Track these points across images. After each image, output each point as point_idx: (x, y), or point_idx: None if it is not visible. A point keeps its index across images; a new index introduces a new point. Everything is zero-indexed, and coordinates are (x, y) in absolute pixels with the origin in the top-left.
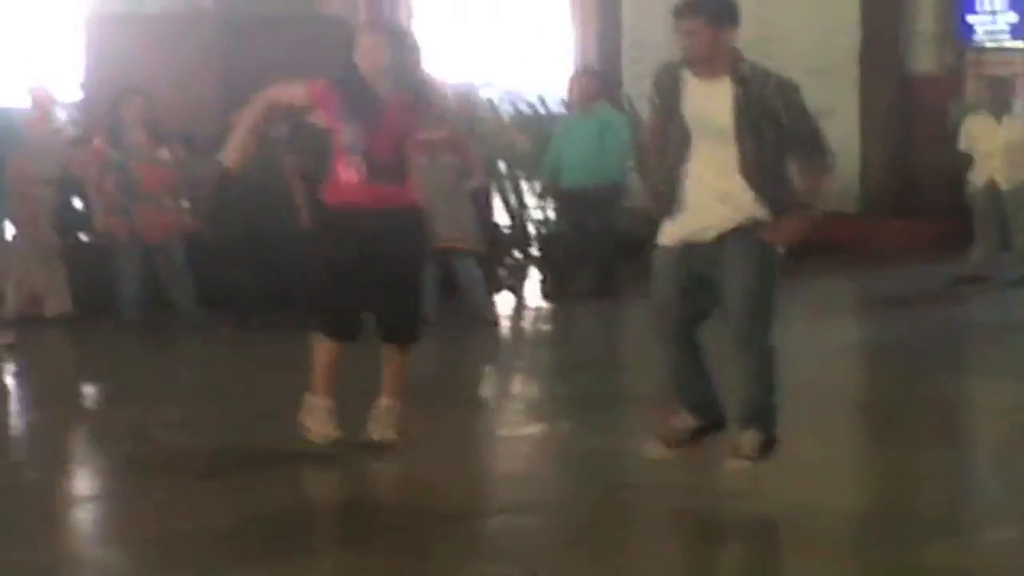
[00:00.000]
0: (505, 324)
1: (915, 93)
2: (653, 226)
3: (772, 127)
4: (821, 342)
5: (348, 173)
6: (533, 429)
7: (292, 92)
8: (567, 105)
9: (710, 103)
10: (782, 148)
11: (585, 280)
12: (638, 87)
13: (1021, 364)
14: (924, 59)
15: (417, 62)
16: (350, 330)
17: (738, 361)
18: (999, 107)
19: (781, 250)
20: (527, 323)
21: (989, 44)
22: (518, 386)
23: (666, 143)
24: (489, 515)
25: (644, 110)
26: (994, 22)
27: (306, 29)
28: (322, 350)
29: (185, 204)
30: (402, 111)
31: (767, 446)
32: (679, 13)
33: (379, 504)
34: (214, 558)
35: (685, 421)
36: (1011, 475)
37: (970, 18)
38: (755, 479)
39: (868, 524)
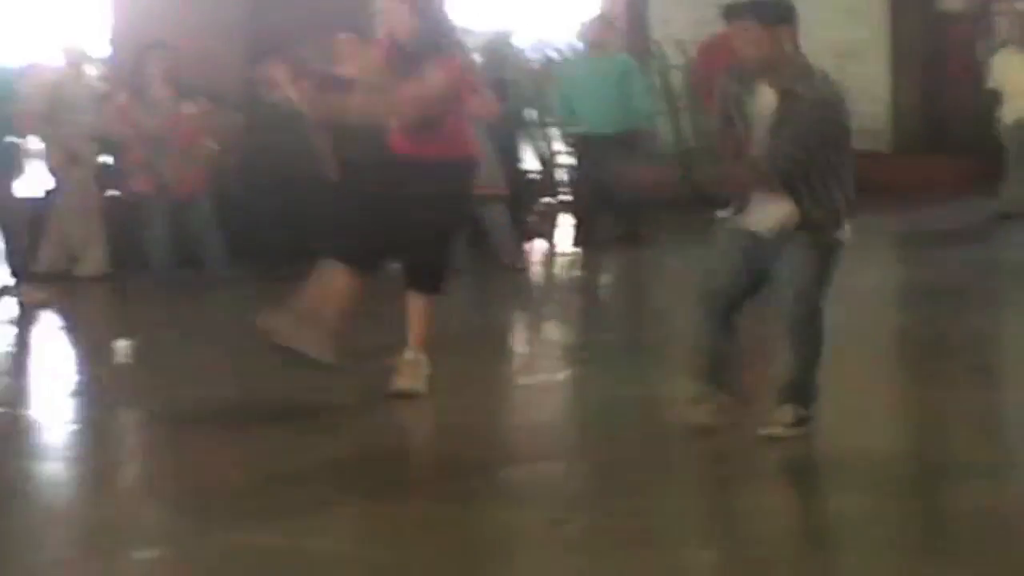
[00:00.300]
0: (534, 271)
1: (945, 31)
2: (683, 173)
3: (811, 132)
4: (856, 283)
5: (395, 123)
6: (560, 376)
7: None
8: (582, 50)
9: (762, 109)
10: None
11: (611, 227)
12: (665, 29)
13: None
14: None
15: (439, 20)
16: (364, 261)
17: (786, 342)
18: None
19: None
20: (555, 269)
21: None
22: (544, 333)
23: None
24: (516, 463)
25: (673, 56)
26: None
27: None
28: (334, 275)
29: (215, 148)
30: (433, 69)
31: (801, 422)
32: (730, 14)
33: (406, 454)
34: (243, 512)
35: (788, 411)
36: None
37: None
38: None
39: (906, 465)
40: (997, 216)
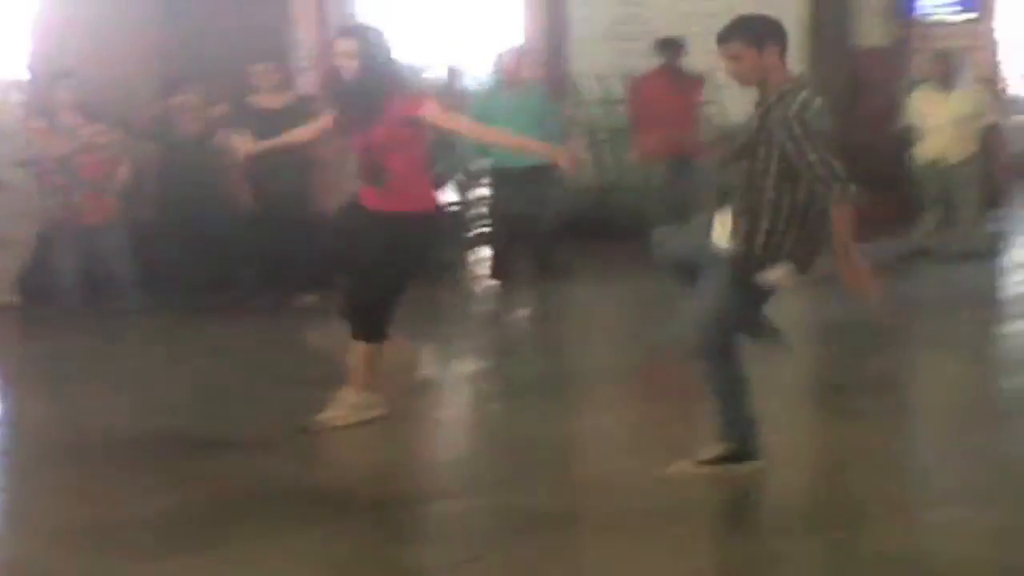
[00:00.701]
0: (451, 303)
1: (862, 67)
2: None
3: (783, 156)
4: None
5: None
6: (476, 411)
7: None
8: (497, 82)
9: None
10: (798, 179)
11: (528, 260)
12: (583, 65)
13: (965, 339)
14: (871, 33)
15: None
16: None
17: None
18: (946, 81)
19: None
20: (473, 302)
21: (935, 17)
22: (461, 367)
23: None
24: (434, 499)
25: (590, 89)
26: None
27: (244, 6)
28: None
29: (127, 177)
30: (369, 116)
31: (728, 458)
32: (720, 38)
33: (316, 489)
34: (150, 546)
35: (714, 448)
36: (961, 453)
37: None
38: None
39: (818, 505)
40: (911, 253)
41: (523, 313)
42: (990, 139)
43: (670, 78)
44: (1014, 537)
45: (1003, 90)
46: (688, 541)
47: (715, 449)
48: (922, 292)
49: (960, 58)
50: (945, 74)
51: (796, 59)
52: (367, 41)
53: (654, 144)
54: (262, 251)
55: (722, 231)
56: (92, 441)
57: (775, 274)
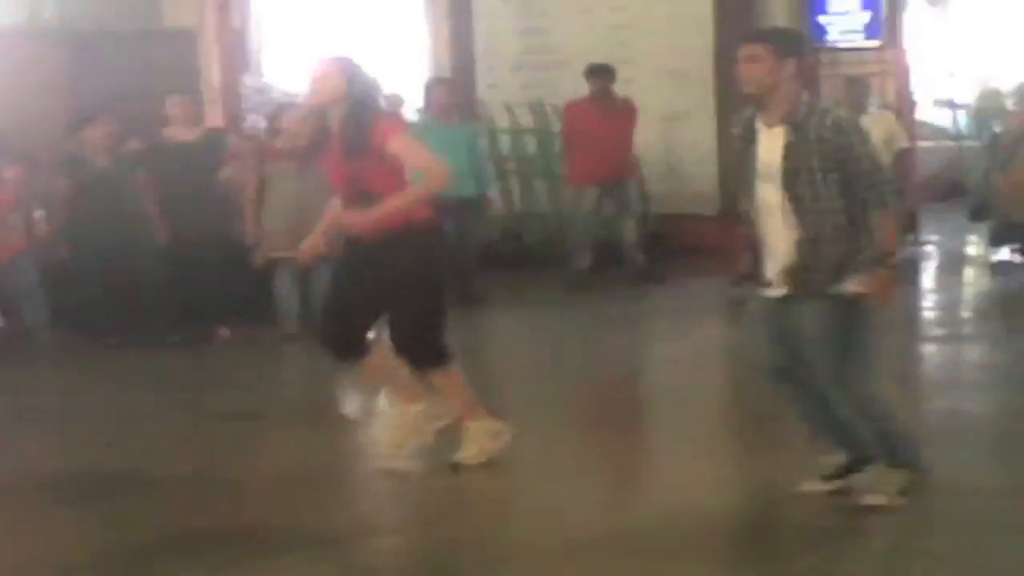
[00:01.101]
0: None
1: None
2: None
3: (835, 168)
4: (689, 347)
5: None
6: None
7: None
8: (425, 113)
9: (769, 153)
10: (850, 190)
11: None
12: (492, 94)
13: (889, 364)
14: None
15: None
16: (343, 353)
17: (836, 405)
18: (856, 107)
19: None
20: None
21: (843, 44)
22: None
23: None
24: (370, 535)
25: (499, 118)
26: (847, 22)
27: (150, 42)
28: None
29: (38, 217)
30: (359, 148)
31: (902, 481)
32: (745, 38)
33: (242, 528)
34: None
35: (835, 457)
36: None
37: (822, 18)
38: (620, 489)
39: (739, 534)
40: None
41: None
42: (901, 164)
43: (601, 104)
44: None
45: (912, 115)
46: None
47: (881, 476)
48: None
49: (869, 84)
50: (855, 100)
51: (702, 87)
52: (353, 69)
53: (586, 170)
54: (179, 285)
55: (780, 272)
56: (10, 483)
57: (855, 284)
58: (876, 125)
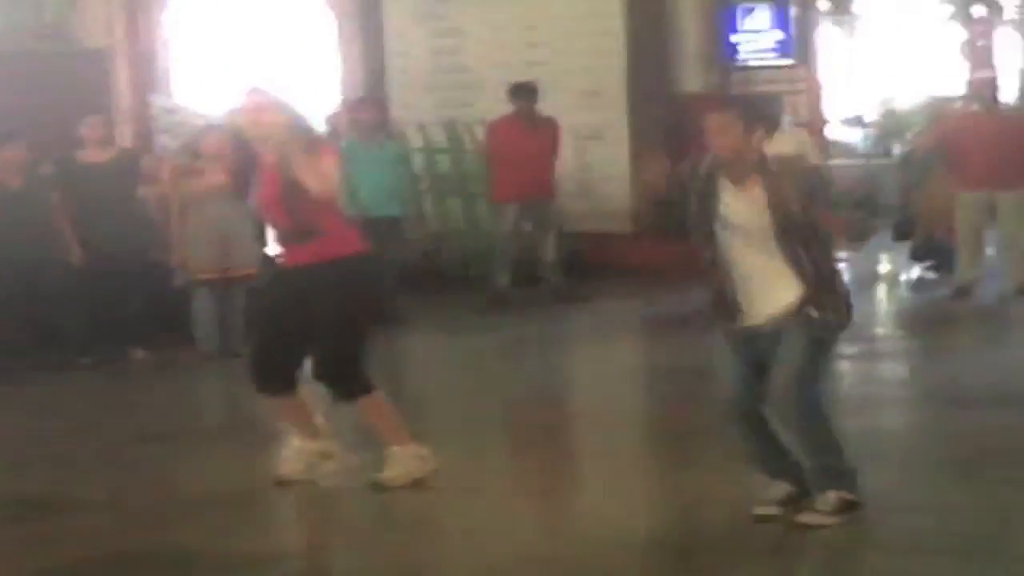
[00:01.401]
0: None
1: (684, 113)
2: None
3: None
4: (604, 366)
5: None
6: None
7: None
8: (337, 134)
9: (748, 209)
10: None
11: None
12: (405, 114)
13: None
14: (691, 79)
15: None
16: (274, 388)
17: (792, 432)
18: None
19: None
20: None
21: (753, 63)
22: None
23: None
24: (276, 559)
25: (414, 137)
26: (758, 41)
27: (60, 63)
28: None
29: None
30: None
31: (846, 504)
32: (711, 108)
33: (157, 552)
34: None
35: (780, 488)
36: None
37: (734, 37)
38: (545, 513)
39: (662, 553)
40: None
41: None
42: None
43: (525, 122)
44: None
45: (823, 133)
46: None
47: (831, 498)
48: None
49: (782, 102)
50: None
51: (615, 106)
52: (286, 105)
53: (509, 188)
54: (92, 305)
55: (773, 303)
56: None
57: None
58: (788, 143)
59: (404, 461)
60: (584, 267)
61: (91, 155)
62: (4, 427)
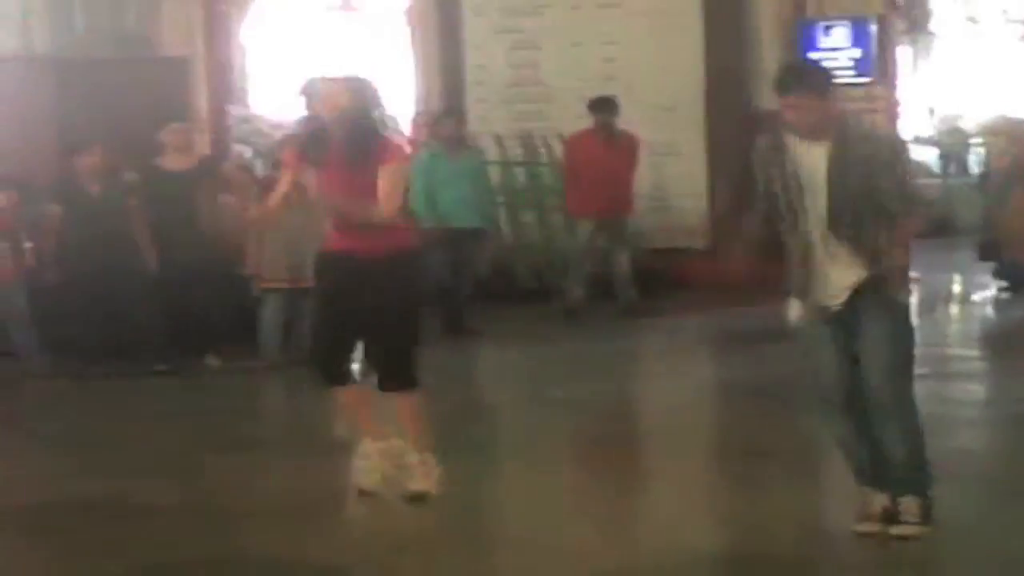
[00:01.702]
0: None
1: (760, 131)
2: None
3: (865, 180)
4: (679, 382)
5: (329, 222)
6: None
7: (285, 185)
8: (430, 144)
9: (814, 165)
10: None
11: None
12: (482, 126)
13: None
14: (769, 96)
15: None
16: (332, 375)
17: (884, 426)
18: None
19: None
20: None
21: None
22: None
23: (783, 211)
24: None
25: (490, 149)
26: (837, 59)
27: (141, 70)
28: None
29: (28, 246)
30: (363, 158)
31: (927, 509)
32: (782, 88)
33: (226, 559)
34: None
35: (875, 501)
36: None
37: (812, 55)
38: (612, 525)
39: (728, 569)
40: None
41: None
42: None
43: (604, 137)
44: None
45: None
46: None
47: (915, 505)
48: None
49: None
50: None
51: (691, 121)
52: (359, 87)
53: (586, 203)
54: (168, 313)
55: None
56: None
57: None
58: None
59: (432, 471)
60: (660, 283)
61: (172, 162)
62: (79, 431)
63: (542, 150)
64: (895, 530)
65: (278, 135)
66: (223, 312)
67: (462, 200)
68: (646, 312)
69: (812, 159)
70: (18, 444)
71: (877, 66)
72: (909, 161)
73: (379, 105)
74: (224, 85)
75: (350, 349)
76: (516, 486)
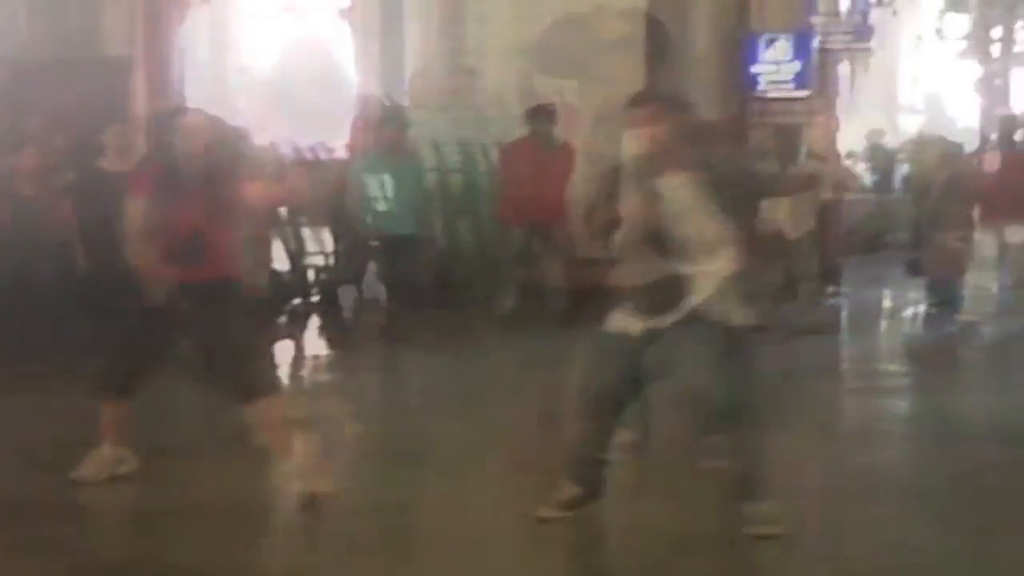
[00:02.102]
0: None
1: (700, 140)
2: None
3: (727, 198)
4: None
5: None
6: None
7: (135, 212)
8: (356, 148)
9: (666, 194)
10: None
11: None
12: (420, 132)
13: (810, 413)
14: (709, 107)
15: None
16: (125, 390)
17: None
18: (786, 155)
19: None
20: (307, 371)
21: (772, 94)
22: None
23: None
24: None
25: (426, 155)
26: (778, 72)
27: (90, 70)
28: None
29: None
30: (215, 190)
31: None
32: (633, 103)
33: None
34: None
35: (571, 490)
36: (804, 530)
37: (754, 68)
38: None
39: None
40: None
41: (364, 379)
42: (826, 215)
43: (539, 145)
44: None
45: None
46: None
47: (761, 508)
48: (765, 366)
49: (799, 133)
50: (786, 149)
51: None
52: (216, 122)
53: (518, 210)
54: (94, 315)
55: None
56: None
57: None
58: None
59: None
60: (593, 291)
61: (112, 163)
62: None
63: (480, 158)
64: (750, 529)
65: None
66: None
67: (397, 206)
68: (577, 320)
69: (669, 185)
70: None
71: (816, 80)
72: (758, 180)
73: (237, 147)
74: (164, 85)
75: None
76: (440, 493)
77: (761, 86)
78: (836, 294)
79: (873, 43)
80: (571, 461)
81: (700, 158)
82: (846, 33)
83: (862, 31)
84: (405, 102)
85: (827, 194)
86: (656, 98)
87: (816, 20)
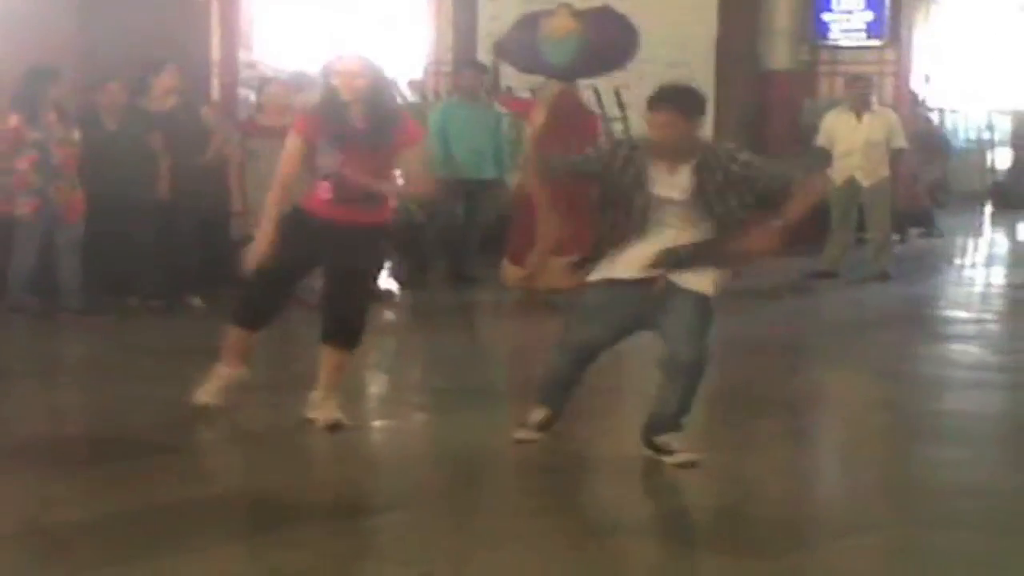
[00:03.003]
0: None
1: (769, 89)
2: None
3: (737, 194)
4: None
5: (321, 191)
6: (411, 421)
7: (292, 152)
8: (447, 95)
9: (673, 190)
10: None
11: (445, 268)
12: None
13: (876, 359)
14: (779, 56)
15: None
16: (258, 321)
17: (674, 383)
18: (859, 105)
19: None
20: (386, 312)
21: (844, 42)
22: (379, 379)
23: (624, 212)
24: (374, 512)
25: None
26: (850, 21)
27: (163, 9)
28: (233, 334)
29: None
30: (384, 140)
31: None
32: (655, 105)
33: (264, 499)
34: (88, 554)
35: (539, 414)
36: (874, 476)
37: (825, 16)
38: (626, 481)
39: (717, 524)
40: (816, 274)
41: (439, 323)
42: (897, 164)
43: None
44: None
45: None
46: (627, 555)
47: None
48: (832, 312)
49: (872, 82)
50: (859, 98)
51: (704, 80)
52: (377, 68)
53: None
54: (169, 250)
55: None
56: (24, 440)
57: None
58: (877, 124)
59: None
60: None
61: (153, 103)
62: (92, 372)
63: None
64: (674, 460)
65: (267, 78)
66: (207, 254)
67: (479, 151)
68: None
69: (669, 185)
70: (58, 377)
71: (889, 29)
72: (764, 167)
73: (395, 87)
74: (235, 30)
75: (283, 304)
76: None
77: (832, 34)
78: (907, 242)
79: None
80: (543, 386)
81: (714, 154)
82: None
83: None
84: (477, 51)
85: (901, 143)
86: (678, 98)
87: None
